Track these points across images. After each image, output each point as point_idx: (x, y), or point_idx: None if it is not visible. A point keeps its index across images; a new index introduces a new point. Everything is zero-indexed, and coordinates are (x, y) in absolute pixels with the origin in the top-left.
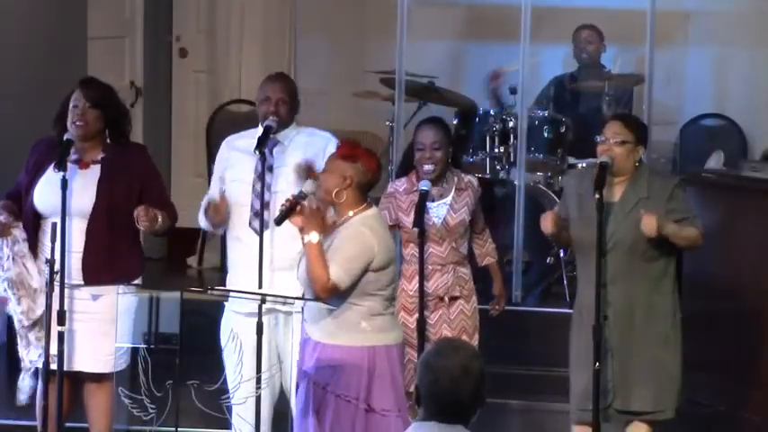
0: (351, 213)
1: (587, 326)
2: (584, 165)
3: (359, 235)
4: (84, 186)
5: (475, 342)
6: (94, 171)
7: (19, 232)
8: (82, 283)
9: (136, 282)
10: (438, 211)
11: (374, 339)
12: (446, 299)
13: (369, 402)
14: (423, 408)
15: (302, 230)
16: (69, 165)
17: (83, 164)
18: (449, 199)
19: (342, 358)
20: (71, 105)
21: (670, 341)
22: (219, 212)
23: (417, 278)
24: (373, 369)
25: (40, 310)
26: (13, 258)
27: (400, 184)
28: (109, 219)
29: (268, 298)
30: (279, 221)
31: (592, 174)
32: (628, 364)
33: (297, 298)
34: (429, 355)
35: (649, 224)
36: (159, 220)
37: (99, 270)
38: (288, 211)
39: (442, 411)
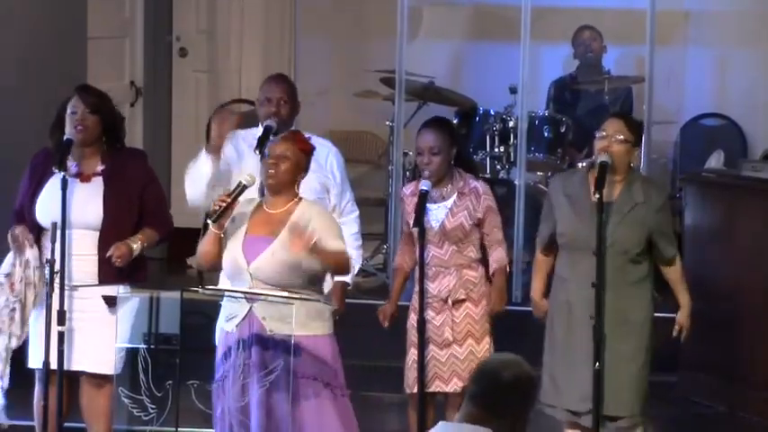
0: (294, 200)
1: (579, 324)
2: (584, 164)
3: (326, 212)
4: (88, 200)
5: (485, 346)
6: (97, 184)
7: (32, 257)
8: (83, 284)
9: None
10: (437, 213)
11: (331, 326)
12: (449, 301)
13: (340, 386)
14: (463, 401)
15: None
16: (70, 179)
17: (84, 177)
18: (449, 202)
19: (316, 347)
20: (69, 112)
21: (645, 344)
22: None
23: (422, 279)
24: (337, 355)
25: (19, 341)
26: (25, 282)
27: (408, 187)
28: (116, 231)
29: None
30: (215, 220)
31: (580, 174)
32: (608, 366)
33: (295, 297)
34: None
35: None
36: (135, 248)
37: (113, 278)
38: (225, 210)
39: (479, 395)
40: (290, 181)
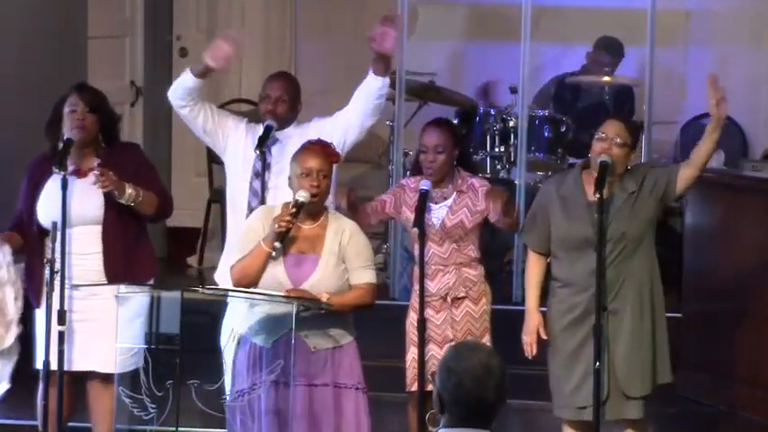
0: (324, 213)
1: (585, 320)
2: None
3: (358, 230)
4: (87, 194)
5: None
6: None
7: (2, 256)
8: (83, 283)
9: (149, 282)
10: (439, 212)
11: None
12: (449, 299)
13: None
14: (447, 413)
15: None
16: (68, 178)
17: (81, 173)
18: (449, 201)
19: (353, 354)
20: (67, 110)
21: (658, 328)
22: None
23: (422, 279)
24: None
25: (9, 340)
26: None
27: (412, 181)
28: (119, 223)
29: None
30: (282, 241)
31: (573, 174)
32: (620, 357)
33: (296, 298)
34: (449, 360)
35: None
36: (127, 188)
37: (120, 273)
38: (287, 232)
39: (467, 414)
40: (327, 195)
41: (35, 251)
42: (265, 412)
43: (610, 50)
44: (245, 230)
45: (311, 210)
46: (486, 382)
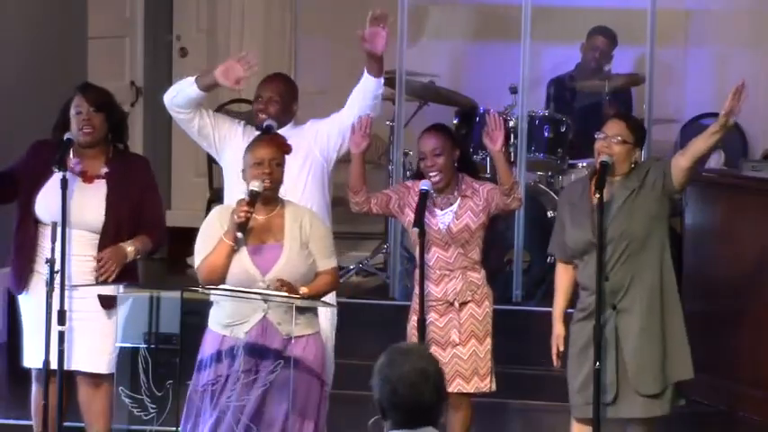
0: (279, 203)
1: (589, 322)
2: (584, 164)
3: (317, 217)
4: (90, 201)
5: (487, 346)
6: (99, 186)
7: None
8: (83, 284)
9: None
10: (444, 218)
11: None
12: (456, 304)
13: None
14: (388, 419)
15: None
16: (73, 176)
17: (87, 178)
18: (455, 207)
19: (315, 344)
20: (73, 112)
21: (670, 325)
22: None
23: (422, 279)
24: (324, 351)
25: None
26: None
27: (414, 183)
28: (116, 235)
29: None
30: (243, 232)
31: (583, 181)
32: (630, 355)
33: (297, 297)
34: (382, 367)
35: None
36: (129, 251)
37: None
38: (247, 222)
39: (407, 417)
40: (281, 183)
41: (24, 234)
42: (235, 402)
43: (604, 34)
44: (202, 230)
45: (266, 199)
46: (422, 385)
